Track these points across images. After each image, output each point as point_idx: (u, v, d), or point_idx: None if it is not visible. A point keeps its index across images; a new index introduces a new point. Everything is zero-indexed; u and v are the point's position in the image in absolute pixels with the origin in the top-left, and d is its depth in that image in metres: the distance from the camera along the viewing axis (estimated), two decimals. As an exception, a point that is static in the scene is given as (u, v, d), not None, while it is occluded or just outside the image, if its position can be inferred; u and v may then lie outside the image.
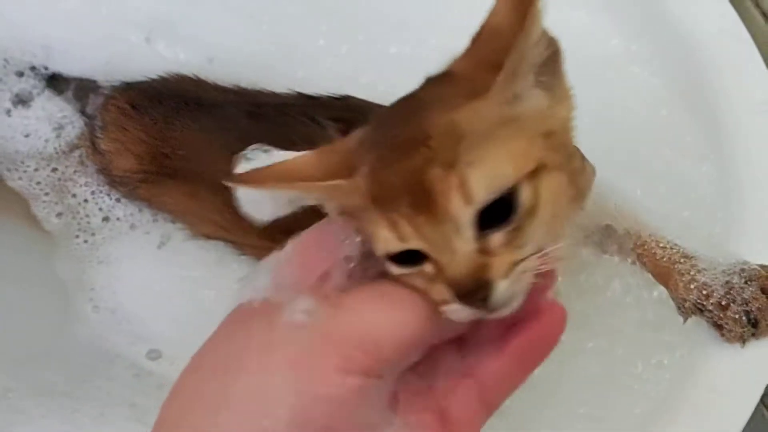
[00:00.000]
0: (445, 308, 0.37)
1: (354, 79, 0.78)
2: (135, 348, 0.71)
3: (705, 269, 0.60)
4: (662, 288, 0.61)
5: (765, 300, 0.59)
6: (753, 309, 0.58)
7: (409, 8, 0.79)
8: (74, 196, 0.77)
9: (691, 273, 0.60)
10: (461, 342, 0.42)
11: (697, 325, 0.61)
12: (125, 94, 0.74)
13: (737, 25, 0.71)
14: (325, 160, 0.40)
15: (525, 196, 0.36)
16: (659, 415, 0.61)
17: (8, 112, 0.78)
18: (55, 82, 0.79)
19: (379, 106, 0.62)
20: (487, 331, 0.41)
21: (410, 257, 0.38)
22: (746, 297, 0.58)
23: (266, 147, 0.42)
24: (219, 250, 0.75)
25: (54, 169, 0.78)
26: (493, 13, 0.39)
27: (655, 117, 0.72)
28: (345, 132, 0.49)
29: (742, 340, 0.59)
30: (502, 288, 0.36)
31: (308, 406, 0.34)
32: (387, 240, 0.37)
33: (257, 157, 0.42)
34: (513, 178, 0.36)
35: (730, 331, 0.59)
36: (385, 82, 0.78)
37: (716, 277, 0.60)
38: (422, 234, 0.36)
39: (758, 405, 0.59)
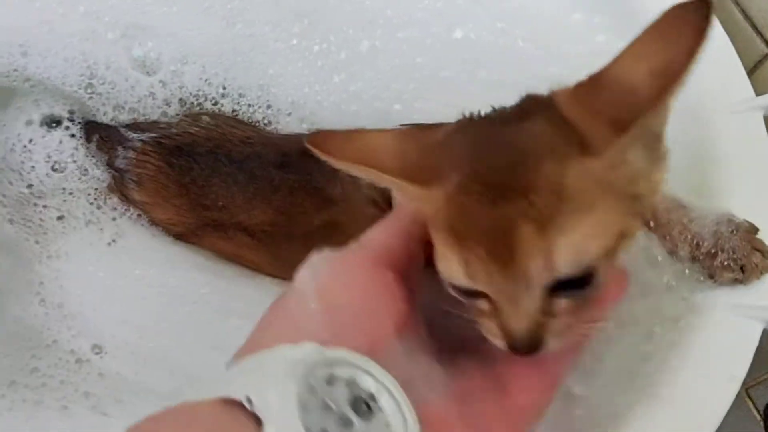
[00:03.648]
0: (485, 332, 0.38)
1: (326, 79, 0.77)
2: (77, 341, 0.68)
3: (696, 218, 0.60)
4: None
5: (750, 248, 0.59)
6: (740, 256, 0.58)
7: (377, 5, 0.77)
8: (35, 205, 0.74)
9: (684, 222, 0.59)
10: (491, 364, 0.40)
11: (672, 314, 0.61)
12: (159, 151, 0.71)
13: (714, 25, 0.70)
14: (404, 150, 0.38)
15: (601, 276, 0.34)
16: (636, 405, 0.59)
17: (29, 123, 0.75)
18: (89, 128, 0.76)
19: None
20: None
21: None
22: (733, 245, 0.58)
23: (320, 248, 0.42)
24: (168, 250, 0.73)
25: (29, 186, 0.75)
26: (625, 67, 0.36)
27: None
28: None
29: (732, 284, 0.59)
30: (552, 345, 0.36)
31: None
32: (454, 272, 0.36)
33: (316, 259, 0.41)
34: (595, 258, 0.34)
35: (720, 277, 0.59)
36: (356, 83, 0.77)
37: (705, 227, 0.59)
38: (493, 282, 0.34)
39: (740, 391, 0.57)
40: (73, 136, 0.75)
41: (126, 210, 0.74)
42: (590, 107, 0.36)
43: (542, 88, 0.71)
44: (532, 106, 0.38)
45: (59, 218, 0.74)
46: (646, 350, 0.62)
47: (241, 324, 0.67)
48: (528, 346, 0.35)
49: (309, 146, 0.38)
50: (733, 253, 0.59)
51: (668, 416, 0.57)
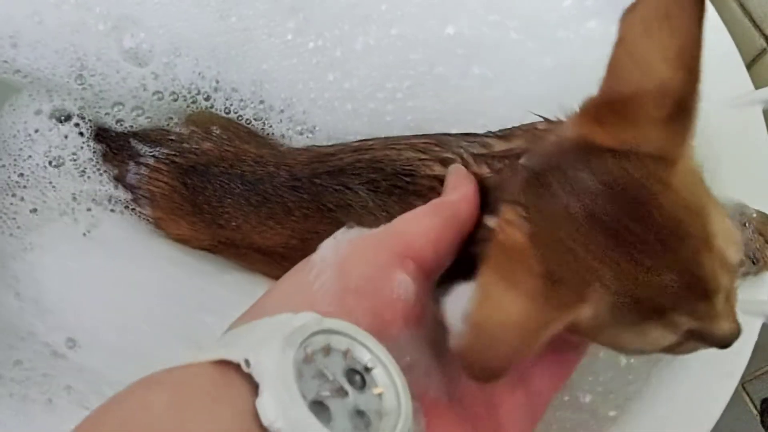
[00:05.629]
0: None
1: (321, 77, 0.76)
2: (52, 335, 0.66)
3: None
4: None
5: (762, 241, 0.59)
6: (752, 249, 0.59)
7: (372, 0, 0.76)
8: (13, 195, 0.71)
9: None
10: None
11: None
12: (172, 170, 0.69)
13: (713, 18, 0.69)
14: (525, 290, 0.34)
15: None
16: (635, 400, 0.59)
17: (38, 112, 0.74)
18: (98, 135, 0.74)
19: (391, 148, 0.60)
20: None
21: None
22: (745, 238, 0.59)
23: (351, 225, 0.43)
24: (145, 243, 0.71)
25: (21, 175, 0.72)
26: (637, 70, 0.36)
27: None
28: (375, 192, 0.53)
29: (743, 278, 0.60)
30: None
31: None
32: (660, 338, 0.35)
33: (341, 235, 0.42)
34: (739, 231, 0.35)
35: None
36: (351, 81, 0.75)
37: None
38: (698, 317, 0.34)
39: (737, 389, 0.57)
40: (81, 134, 0.73)
41: (102, 201, 0.72)
42: (642, 123, 0.36)
43: (537, 83, 0.71)
44: (572, 159, 0.37)
45: (32, 211, 0.71)
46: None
47: (216, 321, 0.65)
48: (738, 333, 0.38)
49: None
50: (746, 247, 0.59)
51: (667, 411, 0.57)
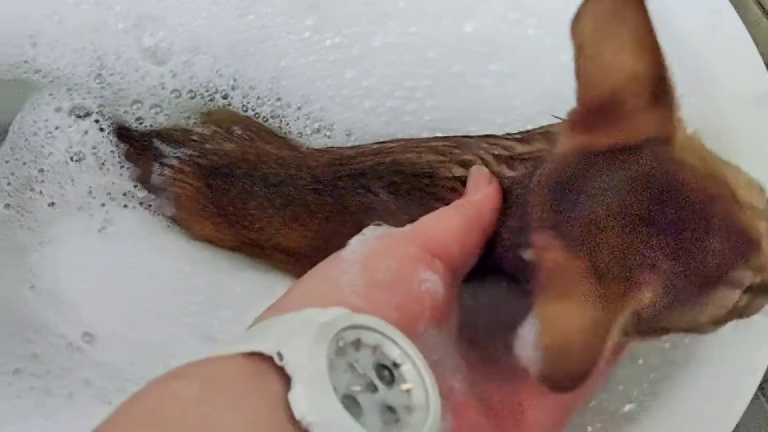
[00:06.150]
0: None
1: (339, 74, 0.76)
2: (67, 327, 0.66)
3: None
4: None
5: None
6: None
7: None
8: (32, 189, 0.72)
9: None
10: None
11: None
12: (196, 171, 0.69)
13: (733, 18, 0.69)
14: (578, 296, 0.34)
15: None
16: (657, 397, 0.59)
17: (58, 110, 0.74)
18: (120, 135, 0.74)
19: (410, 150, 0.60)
20: None
21: None
22: None
23: (378, 222, 0.44)
24: (159, 239, 0.71)
25: (40, 170, 0.73)
26: (614, 73, 0.37)
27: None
28: (396, 194, 0.55)
29: None
30: None
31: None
32: (725, 299, 0.37)
33: (369, 232, 0.43)
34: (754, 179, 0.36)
35: None
36: (369, 79, 0.75)
37: None
38: (754, 267, 0.35)
39: (757, 394, 0.57)
40: (101, 129, 0.74)
41: (117, 196, 0.73)
42: (625, 116, 0.37)
43: (553, 80, 0.70)
44: (581, 168, 0.38)
45: (50, 204, 0.72)
46: (664, 345, 0.62)
47: (232, 317, 0.67)
48: None
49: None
50: None
51: (690, 408, 0.57)
